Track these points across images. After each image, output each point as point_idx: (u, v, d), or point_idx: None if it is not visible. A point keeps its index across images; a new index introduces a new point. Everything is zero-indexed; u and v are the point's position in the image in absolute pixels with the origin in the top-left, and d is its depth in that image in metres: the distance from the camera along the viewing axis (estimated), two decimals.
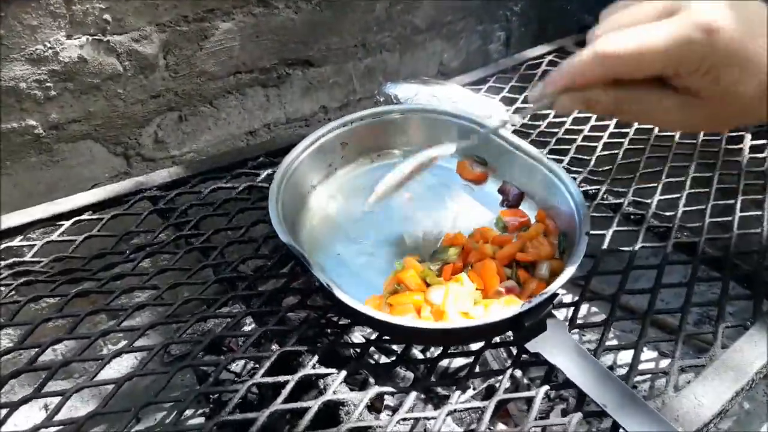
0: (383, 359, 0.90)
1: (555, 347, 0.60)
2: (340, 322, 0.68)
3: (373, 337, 0.65)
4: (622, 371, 0.95)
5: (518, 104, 0.67)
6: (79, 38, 0.87)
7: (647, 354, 1.07)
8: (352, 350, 0.66)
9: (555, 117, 1.03)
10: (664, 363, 0.64)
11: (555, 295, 0.60)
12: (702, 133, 0.98)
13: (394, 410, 0.57)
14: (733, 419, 0.98)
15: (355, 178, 0.82)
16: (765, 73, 0.50)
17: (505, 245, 0.70)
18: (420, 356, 0.81)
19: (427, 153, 0.69)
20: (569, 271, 0.61)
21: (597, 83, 0.51)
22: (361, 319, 0.64)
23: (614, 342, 1.00)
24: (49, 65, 0.85)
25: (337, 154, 0.81)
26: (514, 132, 0.98)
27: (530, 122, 1.03)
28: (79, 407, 0.90)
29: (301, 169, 0.77)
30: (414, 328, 0.60)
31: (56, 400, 0.57)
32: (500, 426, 0.92)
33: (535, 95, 0.55)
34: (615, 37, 0.49)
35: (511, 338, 0.63)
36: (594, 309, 1.20)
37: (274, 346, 0.62)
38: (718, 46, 0.47)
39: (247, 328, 0.84)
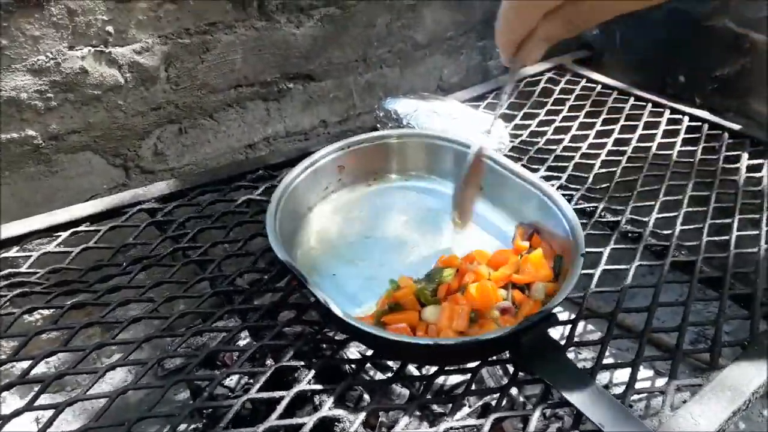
0: (379, 376, 0.90)
1: (552, 366, 0.60)
2: (336, 338, 0.68)
3: (369, 353, 0.65)
4: (619, 390, 0.94)
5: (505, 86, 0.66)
6: (81, 49, 0.87)
7: (643, 373, 1.07)
8: (348, 366, 0.65)
9: (553, 134, 1.04)
10: (661, 382, 0.64)
11: (552, 314, 0.60)
12: (699, 153, 0.98)
13: (390, 428, 0.56)
14: None
15: (351, 201, 0.83)
16: None
17: (500, 267, 0.70)
18: (416, 373, 0.81)
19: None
20: (566, 290, 0.61)
21: (536, 20, 0.52)
22: (357, 335, 0.64)
23: (611, 360, 0.99)
24: (51, 76, 0.86)
25: (334, 177, 0.82)
26: (512, 151, 0.99)
27: (528, 139, 1.03)
28: (71, 421, 0.89)
29: (299, 191, 0.78)
30: (410, 343, 0.60)
31: (49, 413, 0.57)
32: None
33: (506, 66, 0.57)
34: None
35: (508, 357, 0.63)
36: (590, 327, 1.19)
37: (270, 362, 0.62)
38: None
39: (242, 342, 0.83)
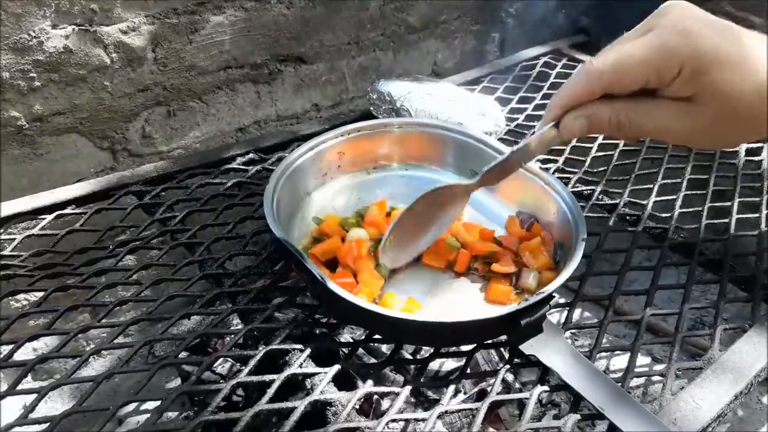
0: (372, 361, 0.88)
1: (550, 349, 0.58)
2: (328, 322, 0.66)
3: (364, 334, 0.64)
4: (617, 376, 0.93)
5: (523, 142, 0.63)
6: (64, 28, 0.84)
7: (641, 360, 1.05)
8: (340, 350, 0.64)
9: None
10: (659, 368, 0.63)
11: (551, 296, 0.59)
12: None
13: (383, 413, 0.55)
14: (727, 426, 0.97)
15: (349, 187, 0.81)
16: (757, 73, 0.51)
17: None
18: (410, 357, 0.79)
19: None
20: (567, 273, 0.60)
21: (592, 98, 0.53)
22: (351, 313, 0.63)
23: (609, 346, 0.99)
24: (34, 55, 0.83)
25: (334, 163, 0.80)
26: (508, 134, 0.97)
27: (525, 123, 1.02)
28: (59, 408, 0.87)
29: (297, 175, 0.76)
30: (407, 320, 0.58)
31: (33, 397, 0.55)
32: (491, 431, 0.91)
33: (539, 126, 0.58)
34: (600, 56, 0.53)
35: (504, 340, 0.62)
36: (587, 314, 1.18)
37: (261, 346, 0.60)
38: (695, 46, 0.50)
39: (233, 328, 0.81)
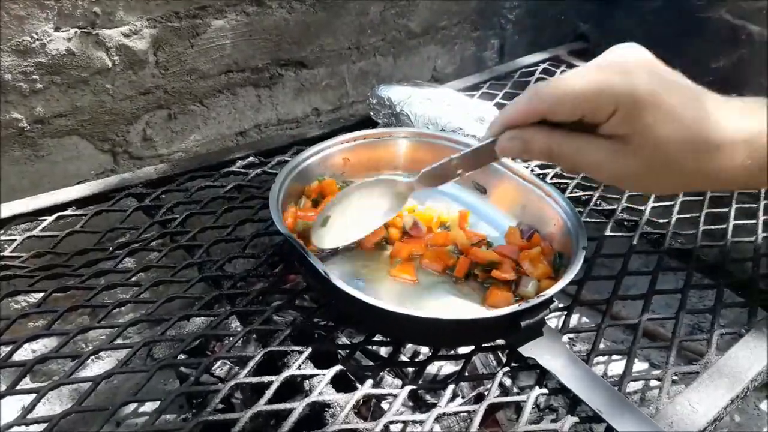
0: (371, 364, 0.89)
1: (549, 353, 0.59)
2: (327, 324, 0.66)
3: (362, 337, 0.64)
4: (614, 380, 0.93)
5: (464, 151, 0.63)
6: (67, 31, 0.85)
7: (639, 365, 1.06)
8: (339, 352, 0.64)
9: None
10: (656, 373, 0.63)
11: (552, 300, 0.59)
12: None
13: (382, 415, 0.55)
14: (724, 431, 0.97)
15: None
16: (692, 125, 0.51)
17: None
18: (408, 360, 0.79)
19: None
20: (567, 278, 0.60)
21: (528, 120, 0.54)
22: (352, 310, 0.63)
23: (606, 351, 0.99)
24: (36, 57, 0.84)
25: (338, 169, 0.81)
26: None
27: None
28: (57, 409, 0.87)
29: (303, 176, 0.77)
30: (409, 317, 0.58)
31: (32, 397, 0.55)
32: None
33: (481, 138, 0.59)
34: (546, 83, 0.53)
35: (503, 343, 0.62)
36: (585, 319, 1.18)
37: (259, 349, 0.60)
38: (632, 88, 0.50)
39: (232, 330, 0.82)
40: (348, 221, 0.70)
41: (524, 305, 0.57)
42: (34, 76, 0.84)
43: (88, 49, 0.87)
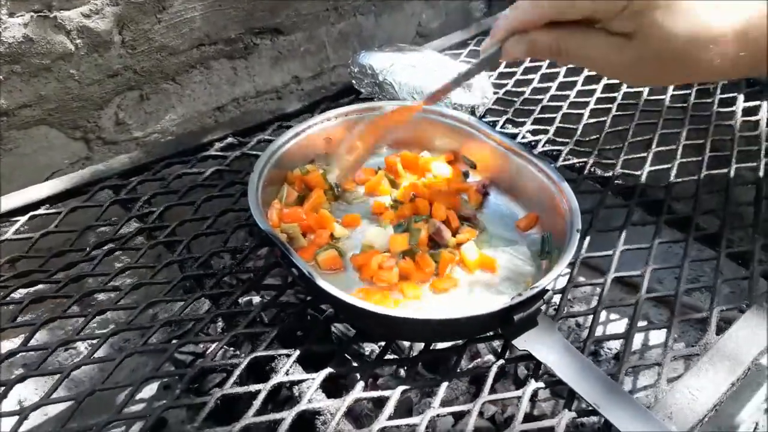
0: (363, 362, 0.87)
1: (543, 344, 0.57)
2: (315, 322, 0.64)
3: (352, 334, 0.62)
4: (613, 343, 0.92)
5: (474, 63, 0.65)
6: (22, 15, 0.79)
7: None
8: (328, 351, 0.62)
9: (539, 83, 0.98)
10: (658, 334, 0.61)
11: (545, 290, 0.57)
12: (693, 96, 0.93)
13: (374, 419, 0.53)
14: None
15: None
16: (694, 19, 0.54)
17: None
18: (397, 357, 0.78)
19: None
20: (561, 266, 0.58)
21: (537, 25, 0.56)
22: (341, 309, 0.61)
23: (606, 329, 0.97)
24: None
25: (321, 150, 0.77)
26: (496, 103, 0.93)
27: (513, 89, 0.98)
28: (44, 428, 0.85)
29: (282, 163, 0.73)
30: (398, 317, 0.56)
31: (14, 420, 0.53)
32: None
33: (484, 46, 0.61)
34: None
35: (497, 334, 0.60)
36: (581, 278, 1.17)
37: (244, 352, 0.58)
38: None
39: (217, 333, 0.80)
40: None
41: (517, 299, 0.55)
42: None
43: (47, 34, 0.82)
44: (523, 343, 0.57)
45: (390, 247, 0.67)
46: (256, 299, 0.81)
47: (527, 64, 1.03)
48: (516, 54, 0.59)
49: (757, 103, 0.92)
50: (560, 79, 0.99)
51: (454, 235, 0.69)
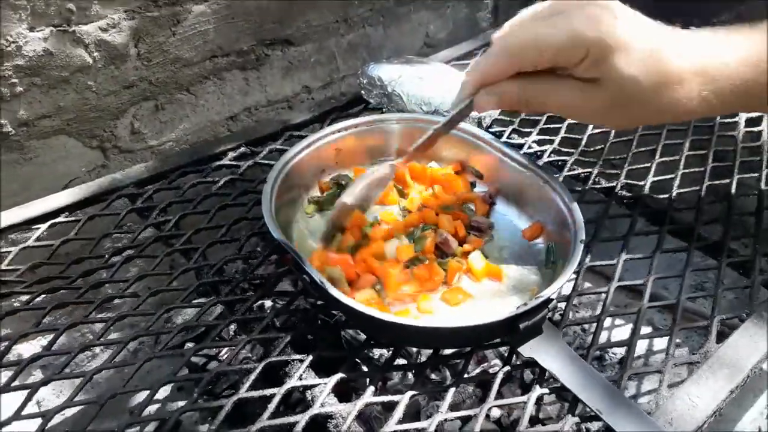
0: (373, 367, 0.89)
1: (548, 351, 0.58)
2: (327, 328, 0.66)
3: (362, 339, 0.64)
4: (618, 348, 0.94)
5: (445, 118, 0.68)
6: (42, 30, 0.82)
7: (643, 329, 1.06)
8: (340, 356, 0.64)
9: None
10: (662, 340, 0.63)
11: (550, 300, 0.58)
12: None
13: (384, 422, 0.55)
14: None
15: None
16: (655, 63, 0.55)
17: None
18: (405, 363, 0.80)
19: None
20: (566, 276, 0.59)
21: (504, 77, 0.58)
22: (352, 317, 0.63)
23: (611, 328, 0.99)
24: (13, 60, 0.81)
25: (331, 160, 0.79)
26: (502, 114, 0.95)
27: None
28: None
29: (294, 173, 0.75)
30: (406, 326, 0.58)
31: (39, 422, 0.55)
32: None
33: (455, 101, 0.63)
34: (512, 36, 0.56)
35: (502, 341, 0.62)
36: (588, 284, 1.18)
37: (256, 356, 0.61)
38: (601, 32, 0.53)
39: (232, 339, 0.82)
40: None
41: (522, 308, 0.57)
42: (13, 80, 0.82)
43: (66, 48, 0.85)
44: (529, 350, 0.59)
45: (397, 255, 0.69)
46: (268, 303, 0.82)
47: None
48: (487, 107, 0.61)
49: (759, 113, 0.93)
50: None
51: (461, 244, 0.71)
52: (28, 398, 0.57)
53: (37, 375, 0.91)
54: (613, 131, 0.91)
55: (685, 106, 0.58)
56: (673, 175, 0.82)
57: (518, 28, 0.57)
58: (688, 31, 0.59)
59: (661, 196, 0.80)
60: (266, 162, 0.85)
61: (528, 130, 0.92)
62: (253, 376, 0.58)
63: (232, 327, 0.77)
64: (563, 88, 0.57)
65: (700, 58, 0.57)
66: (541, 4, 0.57)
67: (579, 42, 0.54)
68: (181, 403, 0.57)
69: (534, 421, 0.78)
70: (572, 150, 0.88)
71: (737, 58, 0.58)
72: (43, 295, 0.68)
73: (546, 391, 0.57)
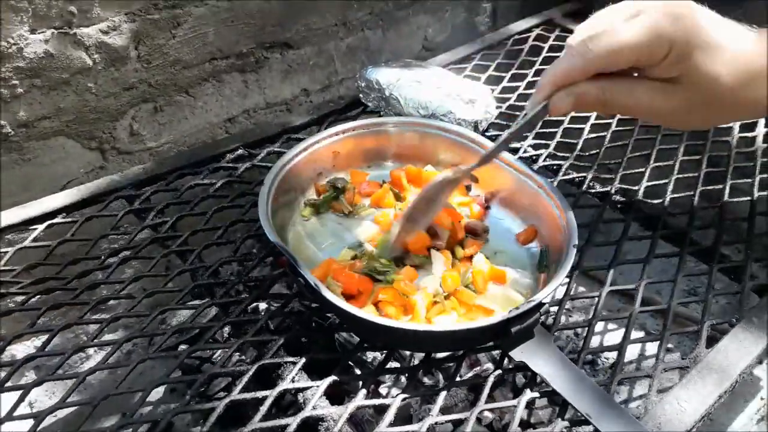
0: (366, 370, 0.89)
1: (539, 355, 0.59)
2: (321, 331, 0.67)
3: (355, 342, 0.65)
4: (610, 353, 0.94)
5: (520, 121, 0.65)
6: (43, 32, 0.83)
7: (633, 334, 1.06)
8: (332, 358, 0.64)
9: None
10: (652, 346, 0.63)
11: (542, 304, 0.59)
12: None
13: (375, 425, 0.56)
14: None
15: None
16: (736, 60, 0.55)
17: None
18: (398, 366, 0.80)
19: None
20: (558, 280, 0.60)
21: (583, 78, 0.57)
22: (343, 320, 0.64)
23: (603, 332, 0.99)
24: (14, 62, 0.82)
25: (328, 163, 0.80)
26: (499, 117, 0.95)
27: (516, 104, 1.00)
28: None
29: (291, 176, 0.76)
30: (399, 329, 0.59)
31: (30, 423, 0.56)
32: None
33: (530, 104, 0.61)
34: (593, 38, 0.55)
35: (494, 344, 0.62)
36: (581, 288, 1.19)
37: (250, 357, 0.61)
38: (685, 30, 0.53)
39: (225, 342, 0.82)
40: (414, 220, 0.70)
41: (514, 312, 0.57)
42: (13, 81, 0.83)
43: (66, 50, 0.85)
44: (520, 354, 0.59)
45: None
46: (263, 306, 0.83)
47: (530, 78, 1.05)
48: (564, 109, 0.58)
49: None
50: None
51: (462, 246, 0.71)
52: (21, 399, 0.58)
53: (30, 376, 0.91)
54: (608, 136, 0.91)
55: (764, 104, 0.58)
56: (667, 180, 0.83)
57: (598, 29, 0.55)
58: (758, 29, 0.59)
59: (655, 201, 0.80)
60: (264, 164, 0.86)
61: (524, 134, 0.92)
62: (245, 378, 0.59)
63: (227, 329, 0.77)
64: (643, 89, 0.57)
65: None
66: (617, 5, 0.56)
67: (662, 39, 0.53)
68: (173, 405, 0.58)
69: (525, 425, 0.79)
70: (568, 154, 0.88)
71: None
72: (38, 296, 0.69)
73: (536, 395, 0.58)
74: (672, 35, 0.53)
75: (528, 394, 0.58)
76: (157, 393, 0.92)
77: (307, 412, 0.56)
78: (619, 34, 0.54)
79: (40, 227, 0.77)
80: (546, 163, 0.87)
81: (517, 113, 0.97)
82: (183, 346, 0.62)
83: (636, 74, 0.58)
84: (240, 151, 0.89)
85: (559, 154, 0.89)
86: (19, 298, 0.69)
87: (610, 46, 0.54)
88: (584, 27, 0.57)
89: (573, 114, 0.95)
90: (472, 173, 0.80)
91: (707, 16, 0.56)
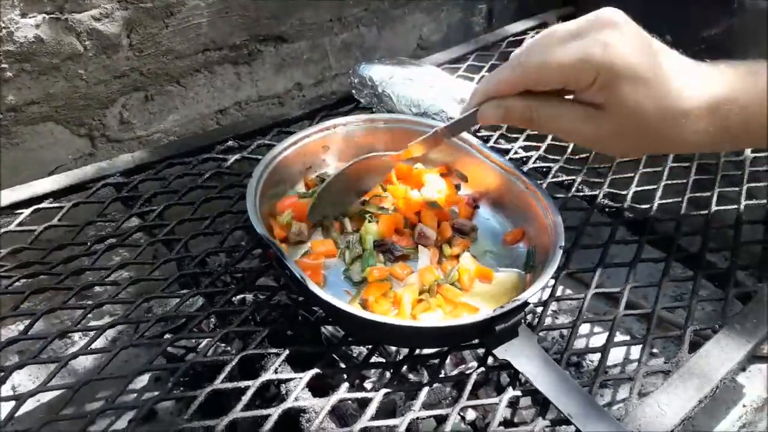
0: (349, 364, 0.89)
1: (522, 354, 0.59)
2: (306, 324, 0.67)
3: (341, 336, 0.65)
4: (594, 356, 0.95)
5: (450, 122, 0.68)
6: (34, 17, 0.82)
7: (618, 337, 1.07)
8: (317, 351, 0.64)
9: None
10: (636, 350, 0.63)
11: (526, 303, 0.59)
12: None
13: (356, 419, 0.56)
14: None
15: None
16: (663, 95, 0.55)
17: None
18: (383, 361, 0.80)
19: None
20: (543, 279, 0.60)
21: (513, 91, 0.57)
22: (329, 313, 0.64)
23: (589, 335, 1.00)
24: (4, 46, 0.81)
25: (318, 157, 0.80)
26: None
27: None
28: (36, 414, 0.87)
29: (280, 169, 0.75)
30: (385, 324, 0.59)
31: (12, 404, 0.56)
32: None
33: (463, 108, 0.63)
34: (527, 53, 0.56)
35: (478, 342, 0.63)
36: (568, 291, 1.19)
37: (234, 349, 0.61)
38: (612, 59, 0.53)
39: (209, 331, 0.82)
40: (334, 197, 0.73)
41: (499, 310, 0.57)
42: (3, 65, 0.82)
43: (57, 35, 0.85)
44: (504, 352, 0.60)
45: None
46: (249, 297, 0.82)
47: None
48: (492, 120, 0.60)
49: None
50: None
51: (449, 245, 0.72)
52: (2, 381, 0.58)
53: (13, 360, 0.91)
54: None
55: (690, 141, 0.58)
56: (655, 186, 0.83)
57: (535, 46, 0.56)
58: (707, 65, 0.58)
59: (643, 206, 0.80)
60: (254, 156, 0.85)
61: (515, 135, 0.93)
62: (228, 368, 0.58)
63: (212, 319, 0.77)
64: (569, 112, 0.57)
65: (711, 96, 0.56)
66: (563, 24, 0.56)
67: (589, 65, 0.53)
68: (156, 393, 0.57)
69: (509, 424, 0.79)
70: (558, 157, 0.88)
71: (753, 97, 0.57)
72: (22, 280, 0.68)
73: (519, 393, 0.58)
74: (599, 62, 0.53)
75: (510, 392, 0.58)
76: (141, 381, 0.92)
77: (288, 404, 0.56)
78: (551, 54, 0.54)
79: (27, 212, 0.76)
80: (536, 165, 0.87)
81: None
82: (168, 335, 0.62)
83: (570, 97, 0.58)
84: (230, 143, 0.89)
85: (549, 156, 0.89)
86: (4, 282, 0.68)
87: (539, 64, 0.54)
88: (528, 41, 0.58)
89: None
90: (460, 171, 0.81)
91: (643, 45, 0.55)
